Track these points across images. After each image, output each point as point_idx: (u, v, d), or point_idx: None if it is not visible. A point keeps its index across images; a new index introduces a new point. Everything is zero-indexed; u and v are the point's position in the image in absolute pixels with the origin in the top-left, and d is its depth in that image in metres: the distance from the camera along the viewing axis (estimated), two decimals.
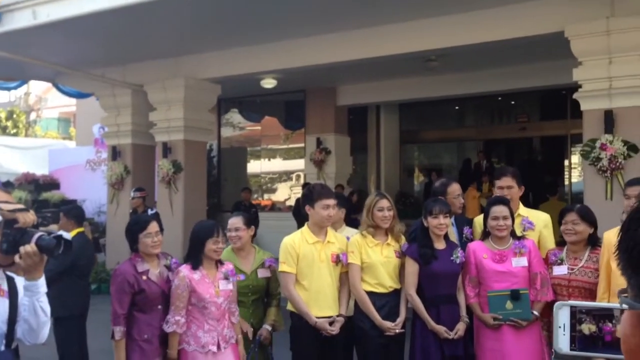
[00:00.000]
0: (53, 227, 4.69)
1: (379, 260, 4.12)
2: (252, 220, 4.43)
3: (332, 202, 4.11)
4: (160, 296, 3.85)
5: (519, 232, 4.20)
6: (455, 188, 4.62)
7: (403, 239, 4.26)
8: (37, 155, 15.53)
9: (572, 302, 1.06)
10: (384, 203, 4.17)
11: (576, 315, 1.01)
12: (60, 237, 2.44)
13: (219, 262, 3.99)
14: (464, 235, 4.42)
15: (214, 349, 3.83)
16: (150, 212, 9.54)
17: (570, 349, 0.98)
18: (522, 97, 13.52)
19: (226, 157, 14.96)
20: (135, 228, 3.91)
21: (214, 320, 3.86)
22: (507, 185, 4.43)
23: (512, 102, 14.28)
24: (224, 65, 10.07)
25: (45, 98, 27.11)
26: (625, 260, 0.56)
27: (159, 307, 3.87)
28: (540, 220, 4.37)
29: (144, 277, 3.83)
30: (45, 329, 2.67)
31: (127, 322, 3.80)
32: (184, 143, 10.68)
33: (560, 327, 1.01)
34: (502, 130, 14.78)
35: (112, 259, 11.17)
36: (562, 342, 1.00)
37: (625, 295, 0.57)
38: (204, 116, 11.16)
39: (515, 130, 14.13)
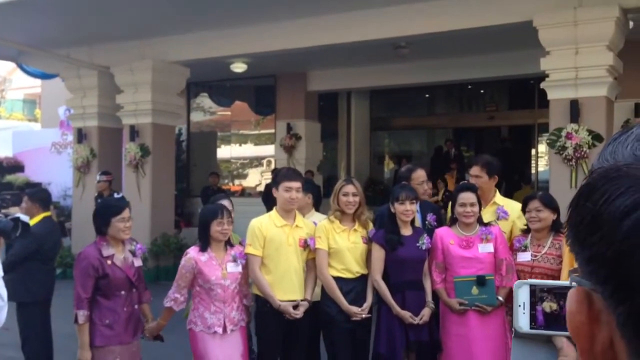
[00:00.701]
0: (14, 210, 4.56)
1: (346, 245, 4.12)
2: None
3: (294, 184, 4.08)
4: (124, 282, 3.82)
5: (493, 221, 4.23)
6: (419, 174, 4.63)
7: (371, 225, 4.26)
8: (1, 136, 15.15)
9: (532, 281, 1.05)
10: (349, 188, 4.16)
11: (536, 294, 1.00)
12: (17, 219, 2.37)
13: (228, 245, 4.01)
14: (427, 222, 4.42)
15: (220, 330, 3.86)
16: (116, 196, 9.38)
17: (530, 327, 0.98)
18: (491, 86, 13.64)
19: (196, 142, 14.80)
20: (109, 211, 3.86)
21: (221, 302, 3.89)
22: (475, 175, 4.47)
23: (482, 91, 14.39)
24: (193, 48, 9.92)
25: (9, 79, 26.44)
26: (573, 237, 0.55)
27: (122, 292, 3.83)
28: (514, 210, 4.40)
29: (109, 262, 3.79)
30: (2, 313, 2.61)
31: (89, 306, 3.75)
32: (152, 126, 10.53)
33: (520, 305, 1.00)
34: (471, 118, 14.90)
35: (77, 244, 10.98)
36: (522, 320, 1.00)
37: (576, 274, 0.56)
38: (172, 100, 11.00)
39: (484, 119, 14.26)
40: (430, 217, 4.46)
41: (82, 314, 3.72)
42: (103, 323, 3.77)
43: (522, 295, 1.01)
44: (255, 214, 4.29)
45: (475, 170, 4.47)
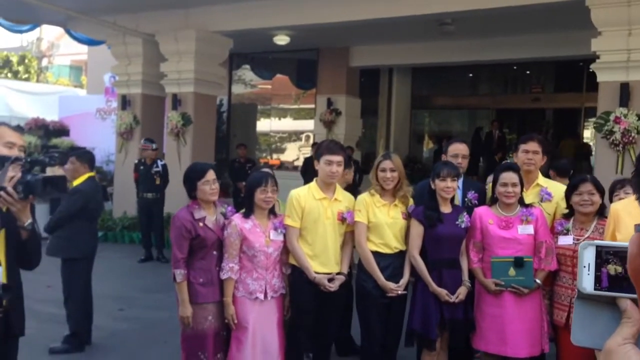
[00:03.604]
0: (57, 170, 4.67)
1: (386, 220, 4.10)
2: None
3: (335, 158, 4.05)
4: (216, 242, 3.94)
5: (536, 202, 4.16)
6: (455, 147, 4.54)
7: (411, 201, 4.23)
8: (48, 101, 15.48)
9: (598, 242, 1.03)
10: (387, 164, 4.13)
11: (602, 256, 0.99)
12: (46, 178, 2.41)
13: (272, 214, 4.06)
14: (466, 200, 4.36)
15: (261, 296, 3.93)
16: (160, 163, 9.56)
17: (594, 289, 0.97)
18: (538, 67, 13.36)
19: (236, 113, 14.91)
20: (193, 175, 3.96)
21: (263, 269, 3.95)
22: (534, 150, 4.36)
23: (527, 72, 14.10)
24: (237, 19, 9.93)
25: (57, 44, 26.92)
26: (636, 184, 0.55)
27: (214, 252, 3.95)
28: (558, 191, 4.29)
29: (201, 224, 3.90)
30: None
31: (186, 266, 3.88)
32: (194, 96, 10.63)
33: (585, 266, 0.99)
34: (515, 100, 14.64)
35: (119, 208, 11.26)
36: (586, 281, 0.98)
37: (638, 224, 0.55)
38: (214, 70, 11.07)
39: (528, 101, 14.00)
40: (471, 195, 4.38)
41: (180, 273, 3.85)
42: (198, 282, 3.89)
43: (588, 257, 1.00)
44: (292, 187, 4.30)
45: (533, 145, 4.37)
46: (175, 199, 8.92)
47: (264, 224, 4.00)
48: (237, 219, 3.96)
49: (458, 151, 4.52)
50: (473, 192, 4.39)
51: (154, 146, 9.63)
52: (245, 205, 4.04)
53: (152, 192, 9.45)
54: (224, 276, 3.89)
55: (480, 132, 14.11)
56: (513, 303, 3.96)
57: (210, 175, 3.96)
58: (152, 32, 10.70)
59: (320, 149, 4.19)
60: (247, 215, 3.97)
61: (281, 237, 4.02)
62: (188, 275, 3.89)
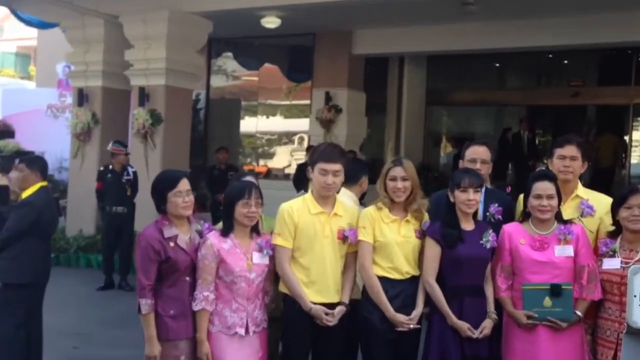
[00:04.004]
0: (1, 179, 4.66)
1: (395, 239, 4.10)
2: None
3: (331, 167, 4.05)
4: (190, 266, 3.93)
5: (575, 218, 4.17)
6: (474, 151, 4.53)
7: (426, 216, 4.24)
8: None
9: None
10: (398, 171, 4.13)
11: None
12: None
13: (254, 232, 4.06)
14: (488, 214, 4.35)
15: (242, 331, 3.92)
16: (130, 170, 9.57)
17: None
18: (578, 55, 13.39)
19: (216, 111, 14.91)
20: (163, 185, 3.97)
21: (244, 298, 3.94)
22: (571, 156, 4.34)
23: (565, 62, 14.15)
24: None
25: (1, 27, 26.96)
26: None
27: (188, 278, 3.94)
28: (602, 204, 4.28)
29: (172, 244, 3.91)
30: None
31: (153, 295, 3.87)
32: (165, 89, 10.64)
33: (635, 295, 0.98)
34: (550, 95, 14.68)
35: (73, 225, 11.24)
36: (638, 314, 0.97)
37: None
38: (190, 58, 11.08)
39: (566, 96, 14.03)
40: (494, 209, 4.33)
41: (146, 303, 3.84)
42: (168, 314, 3.88)
43: (639, 284, 0.99)
44: (282, 200, 4.31)
45: (571, 149, 4.35)
46: (141, 213, 8.91)
47: (245, 243, 3.99)
48: (213, 237, 3.94)
49: (476, 155, 4.52)
50: (496, 205, 4.35)
51: (127, 150, 9.64)
52: (223, 221, 4.04)
53: (123, 205, 9.45)
54: (196, 307, 3.87)
55: (508, 133, 14.15)
56: (548, 339, 3.95)
57: (184, 185, 3.95)
58: (116, 13, 10.71)
59: (314, 154, 4.19)
60: (225, 234, 3.96)
61: (266, 260, 4.01)
62: (156, 306, 3.87)
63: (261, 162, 15.19)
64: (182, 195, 3.93)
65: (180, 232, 3.97)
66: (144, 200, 8.46)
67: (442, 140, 16.27)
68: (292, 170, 13.58)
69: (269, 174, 14.50)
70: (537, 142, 14.30)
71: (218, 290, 3.93)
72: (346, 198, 4.77)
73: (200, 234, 4.04)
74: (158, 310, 3.88)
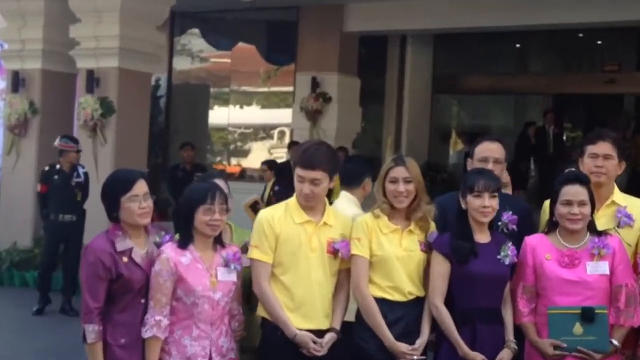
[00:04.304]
0: None
1: (396, 253, 4.09)
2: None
3: (309, 174, 4.03)
4: (146, 285, 3.91)
5: (611, 228, 4.18)
6: (486, 148, 4.54)
7: (433, 226, 4.24)
8: None
9: None
10: (400, 172, 4.13)
11: None
12: None
13: (218, 243, 4.05)
14: (500, 224, 4.33)
15: None
16: (81, 171, 9.52)
17: None
18: (613, 35, 13.48)
19: (179, 99, 14.89)
20: (115, 188, 3.94)
21: (207, 323, 3.92)
22: (605, 154, 4.34)
23: (598, 42, 14.23)
24: None
25: None
26: None
27: (143, 300, 3.91)
28: None
29: (125, 259, 3.87)
30: None
31: (101, 320, 3.85)
32: (119, 73, 10.60)
33: None
34: (580, 81, 14.76)
35: (6, 236, 11.15)
36: None
37: None
38: (149, 36, 11.05)
39: (599, 84, 14.11)
40: (507, 217, 4.31)
41: (92, 330, 3.81)
42: (118, 343, 3.85)
43: None
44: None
45: (604, 146, 4.35)
46: (90, 222, 8.86)
47: (208, 257, 3.97)
48: (169, 250, 3.91)
49: (489, 153, 4.52)
50: (510, 212, 4.34)
51: (79, 147, 9.60)
52: (181, 230, 4.02)
53: (72, 212, 9.41)
54: (146, 334, 3.83)
55: (530, 128, 14.18)
56: None
57: (140, 187, 3.93)
58: None
59: (296, 154, 4.19)
60: (183, 245, 3.94)
61: (234, 277, 4.00)
62: (104, 334, 3.84)
63: (233, 160, 15.20)
64: (139, 200, 3.90)
65: (136, 245, 3.94)
66: (93, 206, 8.42)
67: (451, 136, 16.32)
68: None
69: (243, 174, 14.51)
70: (564, 138, 14.36)
71: (175, 314, 3.90)
72: (348, 203, 4.78)
73: (159, 247, 4.02)
74: (107, 339, 3.85)
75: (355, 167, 5.24)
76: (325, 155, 4.14)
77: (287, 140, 13.80)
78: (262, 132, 15.12)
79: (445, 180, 13.41)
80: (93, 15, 10.57)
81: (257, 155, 14.95)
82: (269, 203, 9.63)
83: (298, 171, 4.08)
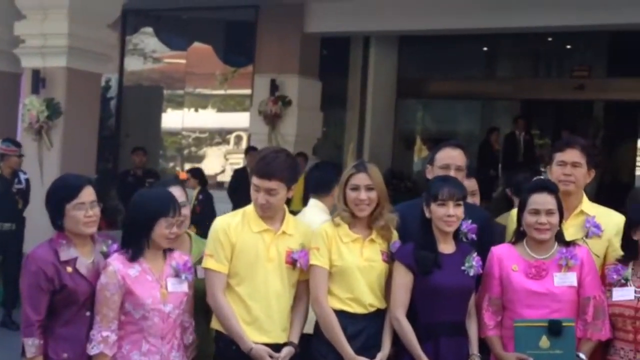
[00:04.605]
0: None
1: (357, 264, 4.10)
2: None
3: (264, 184, 4.04)
4: (91, 297, 3.87)
5: (579, 239, 4.23)
6: (447, 154, 4.57)
7: (395, 235, 4.26)
8: None
9: None
10: (361, 179, 4.14)
11: None
12: None
13: (166, 251, 4.04)
14: (459, 233, 4.31)
15: None
16: (23, 177, 9.41)
17: None
18: (583, 38, 13.65)
19: (131, 101, 14.79)
20: (60, 195, 3.91)
21: (157, 337, 3.89)
22: (573, 162, 4.39)
23: (568, 47, 14.39)
24: None
25: None
26: None
27: (88, 313, 3.88)
28: (612, 223, 4.36)
29: (69, 269, 3.84)
30: None
31: (42, 333, 3.81)
32: (67, 73, 10.50)
33: None
34: (549, 87, 14.91)
35: None
36: None
37: None
38: (99, 34, 10.96)
39: (569, 89, 14.26)
40: (467, 226, 4.31)
41: (33, 344, 3.78)
42: (61, 358, 3.82)
43: None
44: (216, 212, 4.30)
45: (573, 154, 4.40)
46: (32, 231, 8.76)
47: (157, 267, 3.95)
48: (116, 262, 3.88)
49: (450, 160, 4.55)
50: (469, 221, 4.33)
51: (21, 151, 9.48)
52: (132, 241, 3.95)
53: (11, 220, 9.29)
54: (92, 351, 3.80)
55: (492, 135, 14.20)
56: None
57: (87, 194, 3.91)
58: None
59: (255, 161, 4.19)
60: (134, 258, 3.91)
61: (185, 287, 3.98)
62: (45, 348, 3.82)
63: (187, 166, 15.08)
64: (85, 208, 3.88)
65: (81, 254, 3.92)
66: (36, 214, 8.30)
67: (415, 142, 16.39)
68: (227, 177, 13.54)
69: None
70: (534, 145, 14.49)
71: (123, 328, 3.87)
72: (317, 211, 4.77)
73: (107, 257, 3.98)
74: (48, 354, 3.82)
75: (324, 175, 5.24)
76: (283, 164, 4.14)
77: (244, 145, 13.77)
78: (218, 136, 15.06)
79: (409, 189, 13.45)
80: (39, 12, 10.47)
81: (212, 161, 14.91)
82: (193, 213, 9.59)
83: (254, 180, 4.09)
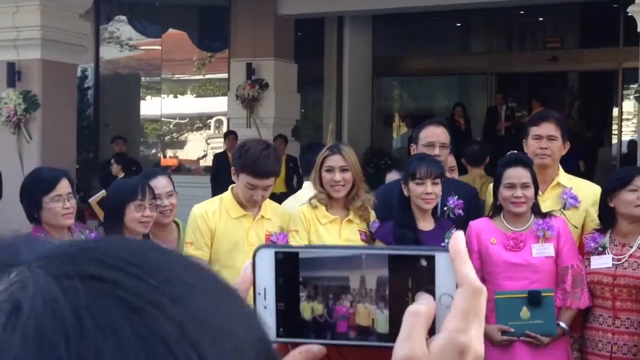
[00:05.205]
0: None
1: (336, 244, 4.11)
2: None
3: (262, 183, 4.06)
4: None
5: (556, 210, 4.24)
6: (431, 132, 4.58)
7: (373, 215, 4.26)
8: None
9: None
10: (335, 160, 4.15)
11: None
12: None
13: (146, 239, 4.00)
14: (445, 209, 4.36)
15: None
16: None
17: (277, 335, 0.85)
18: (555, 11, 13.66)
19: (108, 90, 14.71)
20: (36, 187, 3.90)
21: None
22: (549, 135, 4.41)
23: (540, 19, 14.42)
24: None
25: None
26: None
27: None
28: (589, 193, 4.38)
29: None
30: None
31: None
32: (42, 65, 10.44)
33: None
34: (523, 60, 14.95)
35: None
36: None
37: None
38: (73, 25, 10.89)
39: (542, 61, 14.31)
40: (453, 202, 4.34)
41: None
42: None
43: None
44: (197, 198, 4.28)
45: (547, 127, 4.42)
46: (10, 224, 8.70)
47: None
48: None
49: (435, 138, 4.56)
50: (455, 197, 4.37)
51: None
52: (109, 229, 3.98)
53: None
54: None
55: (456, 109, 14.17)
56: (528, 358, 4.03)
57: (63, 187, 3.89)
58: None
59: (240, 158, 4.15)
60: None
61: None
62: None
63: (169, 153, 15.08)
64: (62, 200, 3.85)
65: None
66: (10, 208, 8.22)
67: (394, 119, 16.39)
68: (209, 162, 13.50)
69: (180, 167, 14.39)
70: (515, 117, 14.49)
71: None
72: (311, 193, 4.73)
73: None
74: None
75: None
76: (274, 160, 4.18)
77: (225, 129, 13.73)
78: (199, 122, 15.03)
79: (389, 166, 13.42)
80: (11, 4, 10.38)
81: (194, 147, 14.88)
82: None
83: (249, 179, 4.05)
